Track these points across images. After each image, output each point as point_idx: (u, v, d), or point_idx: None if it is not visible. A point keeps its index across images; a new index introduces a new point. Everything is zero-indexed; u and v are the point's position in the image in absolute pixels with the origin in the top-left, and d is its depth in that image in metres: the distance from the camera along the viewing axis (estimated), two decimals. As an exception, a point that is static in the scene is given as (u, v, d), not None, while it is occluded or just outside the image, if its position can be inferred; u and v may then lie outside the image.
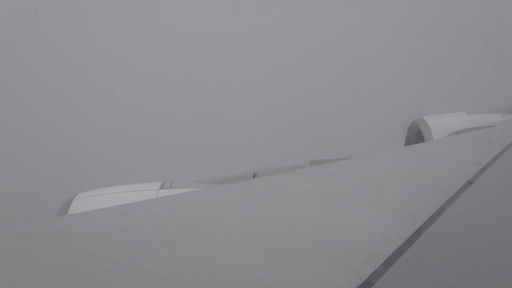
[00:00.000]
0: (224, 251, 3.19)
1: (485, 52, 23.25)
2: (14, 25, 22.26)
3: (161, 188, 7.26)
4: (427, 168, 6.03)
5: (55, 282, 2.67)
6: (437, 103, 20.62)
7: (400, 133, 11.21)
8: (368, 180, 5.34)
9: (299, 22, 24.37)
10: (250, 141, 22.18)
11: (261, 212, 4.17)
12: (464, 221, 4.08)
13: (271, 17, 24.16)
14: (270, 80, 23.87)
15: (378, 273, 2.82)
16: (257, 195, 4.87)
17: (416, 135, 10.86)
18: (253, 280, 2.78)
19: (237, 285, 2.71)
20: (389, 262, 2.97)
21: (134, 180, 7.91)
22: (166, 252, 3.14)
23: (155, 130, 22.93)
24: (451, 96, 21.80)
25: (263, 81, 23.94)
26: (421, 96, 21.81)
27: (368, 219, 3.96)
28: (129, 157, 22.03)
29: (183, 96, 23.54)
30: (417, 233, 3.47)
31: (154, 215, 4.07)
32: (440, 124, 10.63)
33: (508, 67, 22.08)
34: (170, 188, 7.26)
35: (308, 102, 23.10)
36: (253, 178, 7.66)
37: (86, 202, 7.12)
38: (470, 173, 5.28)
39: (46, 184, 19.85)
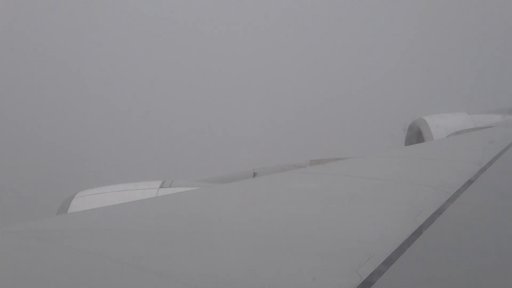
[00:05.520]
0: (224, 250, 3.20)
1: (485, 52, 23.23)
2: (14, 22, 22.26)
3: (161, 186, 7.25)
4: (427, 168, 6.03)
5: (55, 280, 2.67)
6: (437, 103, 20.61)
7: (400, 133, 11.19)
8: (368, 180, 5.34)
9: (298, 22, 24.37)
10: (250, 140, 22.16)
11: (261, 211, 4.18)
12: (464, 220, 4.08)
13: (270, 17, 24.17)
14: (270, 79, 23.87)
15: (377, 272, 2.82)
16: (257, 194, 4.87)
17: (416, 135, 10.83)
18: (253, 279, 2.78)
19: (237, 284, 2.71)
20: (389, 261, 2.97)
21: (134, 179, 7.89)
22: (166, 250, 3.15)
23: (155, 128, 22.91)
24: (451, 96, 21.78)
25: (263, 81, 23.95)
26: (421, 96, 21.79)
27: (368, 218, 3.96)
28: (129, 156, 22.01)
29: (183, 95, 23.54)
30: (417, 233, 3.47)
31: (154, 214, 4.08)
32: (440, 124, 10.61)
33: (509, 67, 22.06)
34: (170, 187, 7.25)
35: (308, 102, 23.08)
36: (253, 177, 7.66)
37: (86, 201, 7.11)
38: (470, 173, 5.28)
39: (46, 183, 19.85)
